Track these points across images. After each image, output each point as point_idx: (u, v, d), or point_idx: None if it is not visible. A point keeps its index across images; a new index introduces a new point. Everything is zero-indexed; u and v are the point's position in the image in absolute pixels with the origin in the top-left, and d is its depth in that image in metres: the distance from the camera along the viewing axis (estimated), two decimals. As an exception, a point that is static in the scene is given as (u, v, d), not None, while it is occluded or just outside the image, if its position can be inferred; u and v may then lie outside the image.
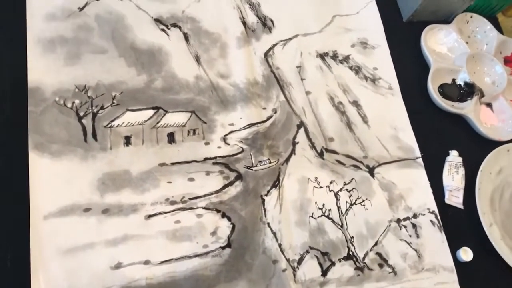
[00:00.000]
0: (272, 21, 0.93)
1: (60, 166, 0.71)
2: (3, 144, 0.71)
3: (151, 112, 0.78)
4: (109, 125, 0.76)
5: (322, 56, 0.93)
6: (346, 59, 0.94)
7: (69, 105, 0.75)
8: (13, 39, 0.78)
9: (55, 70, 0.77)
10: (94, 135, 0.74)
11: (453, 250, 0.81)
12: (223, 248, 0.72)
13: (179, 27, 0.86)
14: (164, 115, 0.79)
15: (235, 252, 0.72)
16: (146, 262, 0.68)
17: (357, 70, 0.93)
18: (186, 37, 0.86)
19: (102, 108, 0.77)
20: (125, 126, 0.76)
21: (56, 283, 0.65)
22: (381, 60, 0.96)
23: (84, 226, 0.69)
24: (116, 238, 0.69)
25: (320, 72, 0.91)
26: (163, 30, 0.85)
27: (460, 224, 0.84)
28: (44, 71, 0.76)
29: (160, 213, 0.72)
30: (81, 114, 0.75)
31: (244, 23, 0.91)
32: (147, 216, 0.71)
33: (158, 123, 0.78)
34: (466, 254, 0.80)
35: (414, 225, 0.81)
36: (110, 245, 0.68)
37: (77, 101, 0.76)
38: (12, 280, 0.64)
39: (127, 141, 0.75)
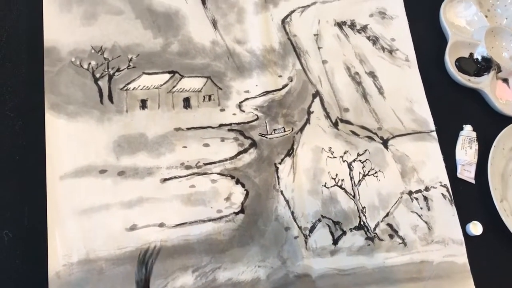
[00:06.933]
0: (289, -14, 0.91)
1: (76, 127, 0.72)
2: (20, 104, 0.71)
3: (167, 76, 0.78)
4: (125, 88, 0.76)
5: (340, 25, 0.91)
6: (364, 28, 0.92)
7: (85, 66, 0.75)
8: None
9: (71, 30, 0.77)
10: (110, 97, 0.74)
11: (463, 224, 0.81)
12: (236, 213, 0.73)
13: (196, -10, 0.85)
14: (180, 79, 0.78)
15: (248, 218, 0.73)
16: (161, 225, 0.69)
17: (374, 40, 0.91)
18: (203, 1, 0.84)
19: (118, 70, 0.76)
20: (141, 89, 0.76)
21: (72, 242, 0.66)
22: (399, 31, 0.93)
23: (100, 187, 0.69)
24: (131, 200, 0.70)
25: (338, 41, 0.89)
26: (180, -8, 0.84)
27: (471, 199, 0.84)
28: (60, 30, 0.76)
29: (175, 177, 0.72)
30: (97, 75, 0.75)
31: (261, -12, 0.89)
32: (163, 180, 0.72)
33: (174, 87, 0.78)
34: (475, 228, 0.80)
35: (425, 198, 0.81)
36: (125, 207, 0.69)
37: (93, 62, 0.76)
38: (29, 237, 0.65)
39: (143, 104, 0.75)
